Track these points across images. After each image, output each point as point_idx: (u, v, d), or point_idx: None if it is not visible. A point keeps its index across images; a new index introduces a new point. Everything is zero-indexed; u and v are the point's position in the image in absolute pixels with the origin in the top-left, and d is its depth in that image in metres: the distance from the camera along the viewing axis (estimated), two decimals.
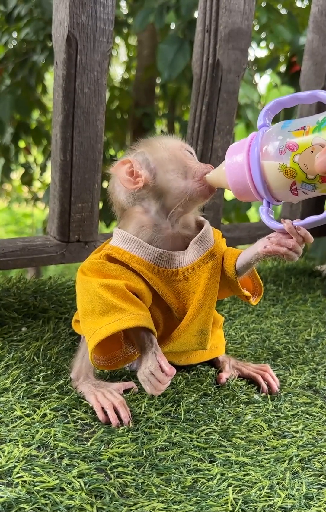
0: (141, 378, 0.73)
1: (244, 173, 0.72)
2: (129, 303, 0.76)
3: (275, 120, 0.76)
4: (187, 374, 0.92)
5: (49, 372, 0.86)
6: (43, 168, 3.72)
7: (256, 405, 0.86)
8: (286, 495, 0.66)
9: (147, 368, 0.72)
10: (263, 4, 2.55)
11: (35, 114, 3.63)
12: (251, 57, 3.14)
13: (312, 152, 0.66)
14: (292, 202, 0.75)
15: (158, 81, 3.72)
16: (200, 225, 0.85)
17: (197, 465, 0.70)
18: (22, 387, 0.82)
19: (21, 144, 3.66)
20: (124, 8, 3.43)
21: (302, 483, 0.69)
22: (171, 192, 0.79)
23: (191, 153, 0.83)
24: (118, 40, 3.95)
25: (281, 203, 0.77)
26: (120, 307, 0.74)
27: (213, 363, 0.96)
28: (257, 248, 0.76)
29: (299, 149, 0.67)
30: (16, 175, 4.21)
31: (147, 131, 3.56)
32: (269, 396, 0.89)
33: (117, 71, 4.80)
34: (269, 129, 0.73)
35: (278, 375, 0.94)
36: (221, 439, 0.76)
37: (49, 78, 3.85)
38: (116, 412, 0.77)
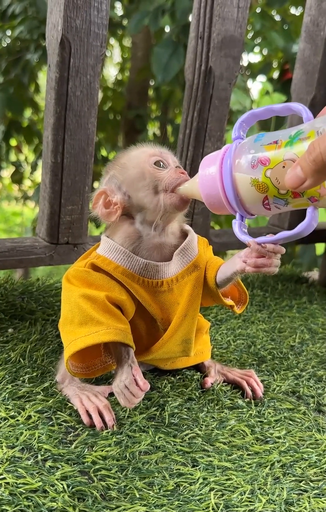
0: (116, 390, 0.73)
1: (216, 186, 0.71)
2: (108, 316, 0.76)
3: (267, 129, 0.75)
4: (172, 378, 0.93)
5: (34, 374, 0.87)
6: (34, 167, 3.71)
7: (240, 410, 0.87)
8: (267, 500, 0.67)
9: (122, 381, 0.72)
10: (258, 10, 2.57)
11: (27, 113, 3.62)
12: (244, 63, 3.16)
13: (283, 167, 0.64)
14: (266, 216, 0.74)
15: (151, 83, 3.73)
16: (185, 234, 0.85)
17: (179, 469, 0.71)
18: (7, 388, 0.82)
19: (13, 142, 3.66)
20: (119, 10, 3.44)
21: (283, 488, 0.69)
22: (147, 207, 0.79)
23: (162, 161, 0.80)
24: (112, 41, 3.95)
25: (254, 217, 0.76)
26: (98, 319, 0.75)
27: (199, 367, 0.96)
28: (235, 266, 0.76)
29: (271, 164, 0.66)
30: (7, 173, 4.20)
31: (139, 133, 3.56)
32: (253, 401, 0.89)
33: (111, 72, 4.80)
34: (243, 141, 0.71)
35: (262, 381, 0.95)
36: (204, 443, 0.77)
37: (42, 77, 3.84)
38: (101, 415, 0.77)
